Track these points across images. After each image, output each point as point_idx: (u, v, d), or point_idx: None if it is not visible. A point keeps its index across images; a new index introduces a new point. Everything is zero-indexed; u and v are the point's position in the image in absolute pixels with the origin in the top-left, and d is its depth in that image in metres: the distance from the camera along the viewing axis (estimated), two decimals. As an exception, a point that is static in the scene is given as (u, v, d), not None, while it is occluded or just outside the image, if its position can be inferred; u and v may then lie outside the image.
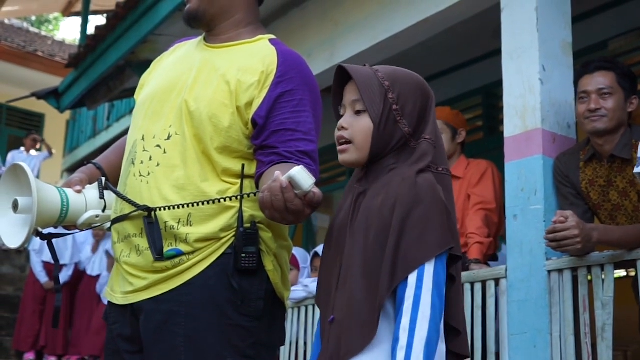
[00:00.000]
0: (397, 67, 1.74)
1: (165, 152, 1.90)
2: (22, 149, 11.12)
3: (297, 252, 4.61)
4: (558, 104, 3.06)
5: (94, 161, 2.13)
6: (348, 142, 1.67)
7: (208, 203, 1.82)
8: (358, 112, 1.66)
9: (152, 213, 1.85)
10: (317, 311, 4.00)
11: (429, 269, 1.51)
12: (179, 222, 1.84)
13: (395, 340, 1.48)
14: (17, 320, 7.73)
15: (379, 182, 1.64)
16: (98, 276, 7.53)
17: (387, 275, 1.51)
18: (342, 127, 1.67)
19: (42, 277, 7.63)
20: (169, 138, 1.91)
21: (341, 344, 1.54)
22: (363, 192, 1.67)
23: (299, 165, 1.75)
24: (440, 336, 1.52)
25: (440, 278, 1.53)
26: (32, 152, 11.15)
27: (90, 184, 2.02)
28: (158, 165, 1.90)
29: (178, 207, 1.83)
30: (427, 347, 1.46)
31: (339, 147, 1.69)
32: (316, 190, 1.58)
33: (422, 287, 1.50)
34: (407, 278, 1.51)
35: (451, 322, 1.61)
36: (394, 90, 1.65)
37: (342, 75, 1.72)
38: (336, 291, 1.61)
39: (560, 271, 2.81)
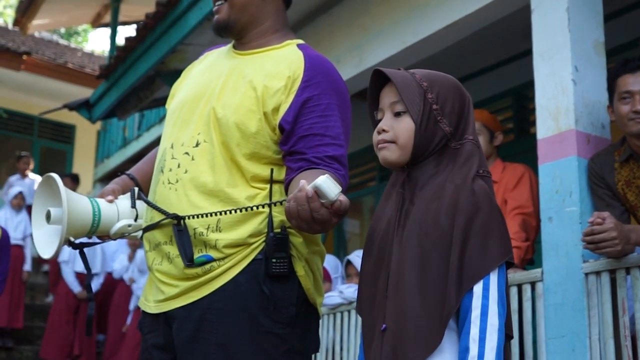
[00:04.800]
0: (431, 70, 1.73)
1: (193, 159, 1.91)
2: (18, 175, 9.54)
3: (328, 261, 4.54)
4: (592, 104, 3.03)
5: (127, 172, 2.15)
6: (390, 142, 1.65)
7: (239, 211, 1.82)
8: (398, 114, 1.65)
9: (181, 220, 1.86)
10: (352, 317, 4.00)
11: (494, 278, 1.52)
12: (208, 229, 1.85)
13: (465, 350, 1.48)
14: (46, 330, 7.81)
15: (426, 189, 1.62)
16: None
17: (454, 286, 1.51)
18: (383, 130, 1.65)
19: (76, 287, 7.72)
20: (197, 145, 1.92)
21: (398, 353, 1.52)
22: (409, 199, 1.64)
23: (327, 171, 1.74)
24: None
25: (503, 286, 1.53)
26: (30, 175, 9.53)
27: (124, 194, 2.04)
28: (186, 172, 1.90)
29: (207, 216, 1.83)
30: (497, 355, 1.47)
31: (379, 146, 1.67)
32: (343, 198, 1.56)
33: (488, 296, 1.50)
34: (472, 288, 1.51)
35: (507, 331, 1.58)
36: (433, 90, 1.64)
37: (377, 80, 1.71)
38: (385, 299, 1.59)
39: (597, 273, 2.77)
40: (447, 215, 1.55)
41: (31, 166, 9.57)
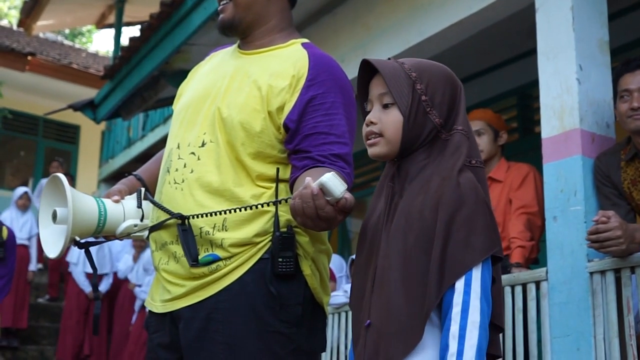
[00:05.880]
0: (423, 59, 1.70)
1: (199, 159, 1.91)
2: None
3: (333, 260, 4.51)
4: (596, 104, 3.03)
5: (134, 172, 2.15)
6: (378, 135, 1.62)
7: (244, 209, 1.82)
8: (386, 106, 1.61)
9: (186, 220, 1.86)
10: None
11: (476, 273, 1.47)
12: (214, 228, 1.85)
13: (445, 348, 1.44)
14: (60, 331, 7.83)
15: (415, 182, 1.59)
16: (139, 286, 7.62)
17: (435, 281, 1.47)
18: (371, 122, 1.62)
19: (87, 287, 7.74)
20: (203, 145, 1.92)
21: (380, 350, 1.50)
22: (398, 192, 1.62)
23: (332, 169, 1.73)
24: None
25: (486, 282, 1.49)
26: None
27: (130, 194, 2.04)
28: (192, 172, 1.90)
29: (212, 215, 1.83)
30: (478, 353, 1.42)
31: (368, 142, 1.64)
32: (348, 195, 1.55)
33: (470, 292, 1.46)
34: (454, 284, 1.47)
35: (495, 322, 1.56)
36: (422, 80, 1.60)
37: (367, 70, 1.68)
38: (371, 295, 1.57)
39: (602, 272, 2.76)
40: (431, 209, 1.51)
41: (61, 171, 9.62)
